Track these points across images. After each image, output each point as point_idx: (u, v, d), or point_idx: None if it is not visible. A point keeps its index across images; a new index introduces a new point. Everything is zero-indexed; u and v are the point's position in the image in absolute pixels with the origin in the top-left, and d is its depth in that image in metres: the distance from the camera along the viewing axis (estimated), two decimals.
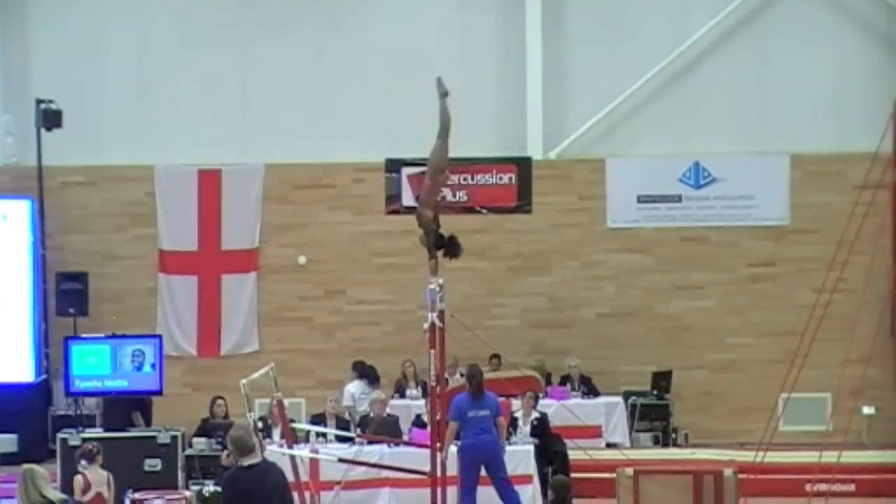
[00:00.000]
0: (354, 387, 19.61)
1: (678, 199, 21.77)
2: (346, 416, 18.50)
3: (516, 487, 16.64)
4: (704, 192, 21.74)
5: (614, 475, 16.70)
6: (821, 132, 21.58)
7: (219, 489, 11.15)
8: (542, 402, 18.54)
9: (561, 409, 18.93)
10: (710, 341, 21.61)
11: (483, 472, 15.55)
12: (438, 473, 14.65)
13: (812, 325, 10.83)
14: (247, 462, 10.61)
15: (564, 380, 20.71)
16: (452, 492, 15.67)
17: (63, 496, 10.07)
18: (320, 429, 17.27)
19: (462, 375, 19.46)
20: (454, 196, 21.87)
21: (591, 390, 20.57)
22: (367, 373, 19.83)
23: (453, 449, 16.18)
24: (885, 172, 20.12)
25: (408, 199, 21.88)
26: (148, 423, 19.03)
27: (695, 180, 21.73)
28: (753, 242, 21.72)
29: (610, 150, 21.88)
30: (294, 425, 16.89)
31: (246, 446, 10.69)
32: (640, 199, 21.79)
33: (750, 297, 21.64)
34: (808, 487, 15.79)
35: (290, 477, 11.74)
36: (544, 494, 15.90)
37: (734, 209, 21.69)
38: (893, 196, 20.96)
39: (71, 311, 20.74)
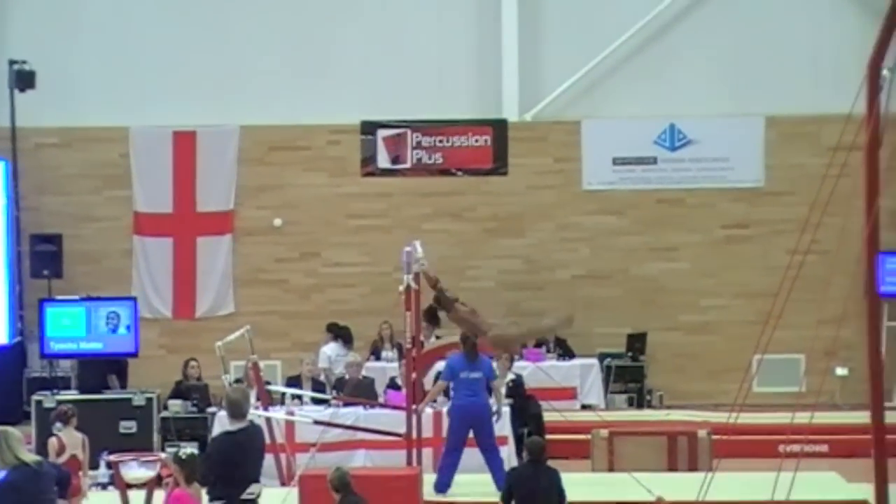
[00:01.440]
0: (330, 349, 19.62)
1: (653, 161, 21.80)
2: (322, 377, 18.51)
3: None
4: (679, 154, 21.77)
5: (589, 436, 16.84)
6: (796, 94, 21.60)
7: (195, 451, 11.14)
8: (517, 363, 18.56)
9: (536, 371, 18.98)
10: (685, 303, 21.69)
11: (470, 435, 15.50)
12: (414, 435, 14.72)
13: (786, 287, 10.84)
14: (236, 426, 10.65)
15: (540, 342, 20.73)
16: (427, 453, 15.72)
17: (38, 458, 10.06)
18: (296, 391, 17.31)
19: (438, 338, 19.51)
20: (430, 158, 21.86)
21: (566, 352, 20.62)
22: (342, 334, 19.83)
23: (429, 410, 16.24)
24: (859, 134, 20.09)
25: (383, 161, 21.88)
26: (123, 385, 19.01)
27: (670, 142, 21.76)
28: (728, 204, 21.78)
29: (586, 112, 21.88)
30: (269, 387, 16.94)
31: (240, 410, 10.75)
32: (616, 161, 21.81)
33: (725, 259, 21.71)
34: (780, 448, 15.80)
35: (266, 439, 11.78)
36: (519, 455, 15.95)
37: (709, 171, 21.73)
38: (866, 157, 20.95)
39: (45, 272, 20.69)
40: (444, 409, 16.86)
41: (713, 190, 21.77)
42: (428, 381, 17.44)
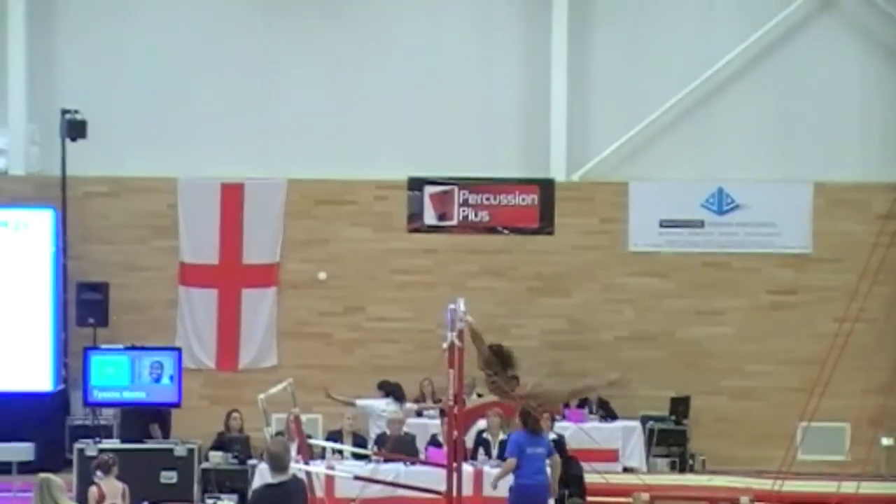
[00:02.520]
0: (384, 403, 19.46)
1: (700, 224, 21.73)
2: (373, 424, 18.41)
3: None
4: (727, 218, 21.70)
5: (630, 500, 16.71)
6: (844, 161, 21.54)
7: None
8: (559, 424, 18.46)
9: (578, 432, 18.87)
10: (730, 367, 21.54)
11: None
12: (454, 493, 14.63)
13: (832, 354, 10.78)
14: (278, 479, 10.62)
15: (583, 403, 20.65)
16: None
17: None
18: (337, 445, 17.25)
19: (479, 396, 19.44)
20: (476, 216, 21.87)
21: (608, 414, 20.51)
22: (393, 391, 19.73)
23: (469, 468, 16.14)
24: None
25: (430, 217, 21.90)
26: (166, 435, 19.03)
27: (718, 206, 21.69)
28: (775, 269, 21.66)
29: (633, 174, 21.86)
30: (311, 441, 16.88)
31: (281, 463, 10.72)
32: (663, 224, 21.76)
33: (770, 325, 21.57)
34: None
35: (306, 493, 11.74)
36: None
37: (756, 236, 21.65)
38: None
39: (91, 321, 20.78)
40: (485, 468, 16.81)
41: (760, 255, 21.66)
42: (469, 438, 17.40)
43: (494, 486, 14.74)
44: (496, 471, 15.89)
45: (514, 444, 15.09)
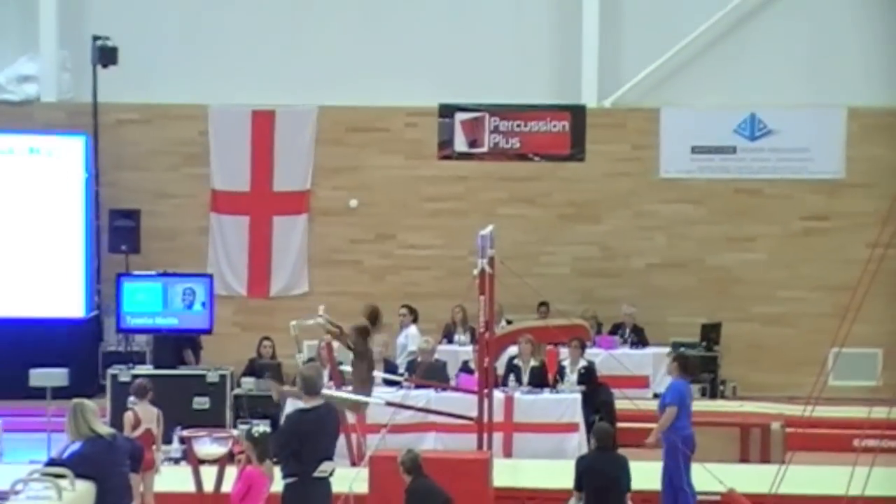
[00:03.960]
0: (414, 331, 19.49)
1: (732, 150, 21.62)
2: (399, 360, 18.37)
3: (562, 436, 16.67)
4: (759, 144, 21.58)
5: None
6: (878, 86, 21.38)
7: (268, 429, 11.20)
8: (589, 351, 18.46)
9: (609, 359, 18.88)
10: (761, 294, 21.51)
11: None
12: (485, 419, 14.69)
13: (864, 280, 10.73)
14: (311, 404, 10.66)
15: (615, 328, 20.65)
16: (498, 438, 15.72)
17: (112, 430, 10.13)
18: None
19: (508, 322, 19.47)
20: (507, 142, 21.81)
21: (641, 340, 20.51)
22: (415, 316, 19.76)
23: (500, 395, 16.20)
24: None
25: (460, 144, 21.86)
26: (197, 361, 19.15)
27: (750, 132, 21.57)
28: (807, 196, 21.57)
29: (665, 100, 21.74)
30: (342, 367, 16.95)
31: (315, 387, 10.76)
32: (694, 150, 21.66)
33: (802, 251, 21.51)
34: (856, 443, 15.69)
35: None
36: (590, 443, 15.86)
37: (789, 162, 21.53)
38: None
39: (123, 248, 20.87)
40: (516, 394, 16.85)
41: (792, 181, 21.56)
42: (500, 365, 17.45)
43: (656, 440, 13.88)
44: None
45: (677, 393, 14.12)
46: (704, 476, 13.81)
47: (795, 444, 14.49)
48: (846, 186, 21.46)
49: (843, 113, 21.44)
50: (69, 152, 20.89)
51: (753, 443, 16.40)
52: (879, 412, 13.34)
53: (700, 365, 20.57)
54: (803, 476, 13.31)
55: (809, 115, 21.45)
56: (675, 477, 13.68)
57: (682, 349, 20.58)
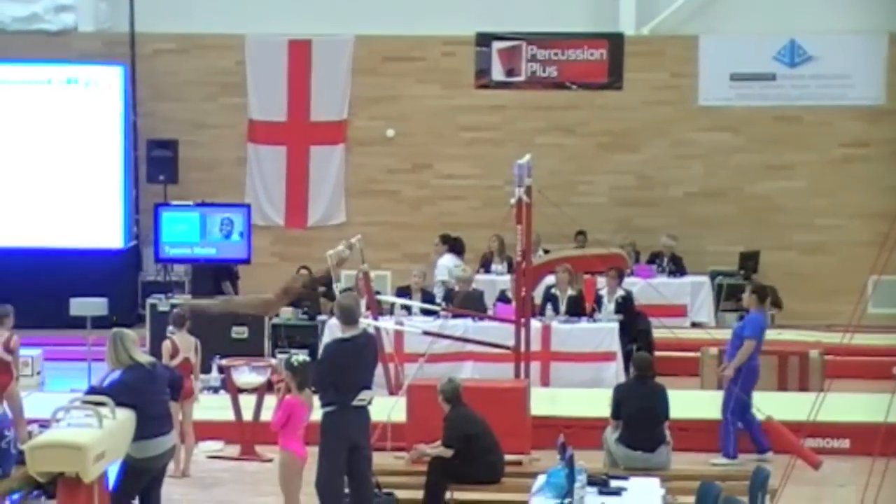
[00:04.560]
0: (447, 260, 19.51)
1: (772, 77, 21.45)
2: (435, 289, 18.42)
3: (600, 365, 16.69)
4: (799, 71, 21.39)
5: (699, 354, 16.74)
6: None
7: (307, 358, 11.26)
8: (627, 280, 18.43)
9: (646, 288, 18.88)
10: (800, 222, 21.41)
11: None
12: (522, 348, 14.72)
13: None
14: (349, 333, 10.70)
15: (654, 257, 20.61)
16: (535, 367, 15.76)
17: (151, 359, 10.20)
18: (405, 301, 17.35)
19: (546, 252, 19.46)
20: (544, 71, 21.70)
21: (679, 269, 20.45)
22: (455, 246, 19.80)
23: (537, 324, 16.23)
24: None
25: (497, 73, 21.76)
26: (236, 291, 19.22)
27: (790, 58, 21.37)
28: (847, 122, 21.40)
29: (703, 28, 21.55)
30: (379, 297, 17.01)
31: (352, 316, 10.79)
32: (733, 78, 21.49)
33: (842, 178, 21.37)
34: (894, 370, 15.68)
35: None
36: (627, 371, 15.90)
37: (829, 88, 21.34)
38: None
39: (161, 178, 20.93)
40: (553, 324, 16.85)
41: (832, 108, 21.38)
42: (537, 294, 17.45)
43: (732, 374, 13.59)
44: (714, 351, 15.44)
45: (757, 326, 13.96)
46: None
47: (834, 372, 14.47)
48: (887, 113, 21.27)
49: (885, 38, 21.21)
50: (107, 82, 20.91)
51: (792, 371, 16.38)
52: None
53: (737, 293, 20.56)
54: (842, 404, 13.30)
55: (850, 41, 21.23)
56: (724, 402, 13.67)
57: (720, 277, 20.57)
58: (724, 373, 13.79)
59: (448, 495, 11.65)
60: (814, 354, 16.41)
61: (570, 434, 11.20)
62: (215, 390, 15.63)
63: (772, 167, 21.49)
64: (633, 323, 17.48)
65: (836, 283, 20.56)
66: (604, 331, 16.96)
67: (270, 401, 12.14)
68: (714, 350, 16.49)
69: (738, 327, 14.31)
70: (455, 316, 16.84)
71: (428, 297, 17.67)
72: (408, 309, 17.28)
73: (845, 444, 14.06)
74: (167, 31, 21.63)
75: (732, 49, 21.45)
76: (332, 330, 15.02)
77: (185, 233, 18.25)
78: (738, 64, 21.45)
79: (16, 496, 9.75)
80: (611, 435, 12.42)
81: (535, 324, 16.15)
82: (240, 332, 17.50)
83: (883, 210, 19.08)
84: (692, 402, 14.45)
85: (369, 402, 10.72)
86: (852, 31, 21.18)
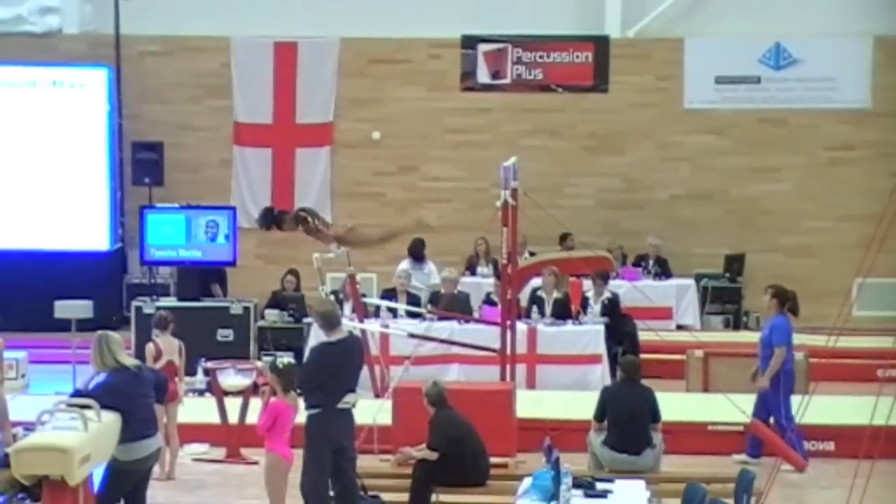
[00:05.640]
0: (405, 264, 19.35)
1: (757, 80, 21.48)
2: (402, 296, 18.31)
3: (586, 367, 16.71)
4: (784, 74, 21.43)
5: (684, 357, 16.75)
6: None
7: (293, 361, 11.26)
8: (613, 282, 18.44)
9: (632, 290, 18.87)
10: (786, 225, 21.45)
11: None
12: (508, 351, 14.72)
13: (890, 210, 10.66)
14: (335, 337, 10.70)
15: (639, 259, 20.62)
16: (521, 369, 15.75)
17: (137, 362, 10.18)
18: (391, 304, 17.35)
19: (532, 254, 19.46)
20: (529, 74, 21.71)
21: (665, 272, 20.47)
22: (413, 250, 19.49)
23: (523, 326, 16.23)
24: None
25: (483, 76, 21.77)
26: (224, 292, 19.20)
27: (775, 61, 21.41)
28: (833, 125, 21.44)
29: (689, 30, 21.58)
30: (365, 300, 17.00)
31: (335, 319, 10.80)
32: (718, 80, 21.52)
33: (827, 181, 21.42)
34: (879, 373, 15.71)
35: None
36: (613, 374, 15.92)
37: (814, 91, 21.38)
38: None
39: (146, 180, 20.89)
40: (539, 326, 16.85)
41: (818, 111, 21.42)
42: (523, 296, 17.45)
43: (768, 385, 13.49)
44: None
45: (784, 332, 14.01)
46: (727, 407, 13.83)
47: (819, 375, 14.49)
48: (872, 116, 21.32)
49: (870, 42, 21.27)
50: (92, 85, 20.87)
51: None
52: None
53: (722, 295, 20.63)
54: (827, 406, 13.31)
55: (835, 44, 21.27)
56: (776, 411, 13.59)
57: (705, 280, 20.59)
58: (760, 384, 13.65)
59: (434, 498, 11.64)
60: (799, 357, 16.39)
61: (555, 436, 11.18)
62: (201, 393, 15.60)
63: (757, 170, 21.52)
64: (619, 325, 17.50)
65: (821, 285, 20.53)
66: (590, 333, 16.98)
67: (256, 403, 12.12)
68: (700, 353, 16.50)
69: (764, 336, 14.17)
70: (441, 318, 16.84)
71: (413, 299, 17.66)
72: (394, 311, 17.28)
73: (830, 446, 14.08)
74: (152, 33, 21.60)
75: (718, 52, 21.48)
76: (319, 333, 14.98)
77: (170, 235, 18.23)
78: (723, 67, 21.48)
79: (0, 499, 9.72)
80: (596, 437, 12.42)
81: (521, 326, 16.15)
82: (225, 334, 17.51)
83: (868, 213, 19.09)
84: (678, 405, 14.45)
85: (354, 405, 10.72)
86: (837, 35, 21.22)
